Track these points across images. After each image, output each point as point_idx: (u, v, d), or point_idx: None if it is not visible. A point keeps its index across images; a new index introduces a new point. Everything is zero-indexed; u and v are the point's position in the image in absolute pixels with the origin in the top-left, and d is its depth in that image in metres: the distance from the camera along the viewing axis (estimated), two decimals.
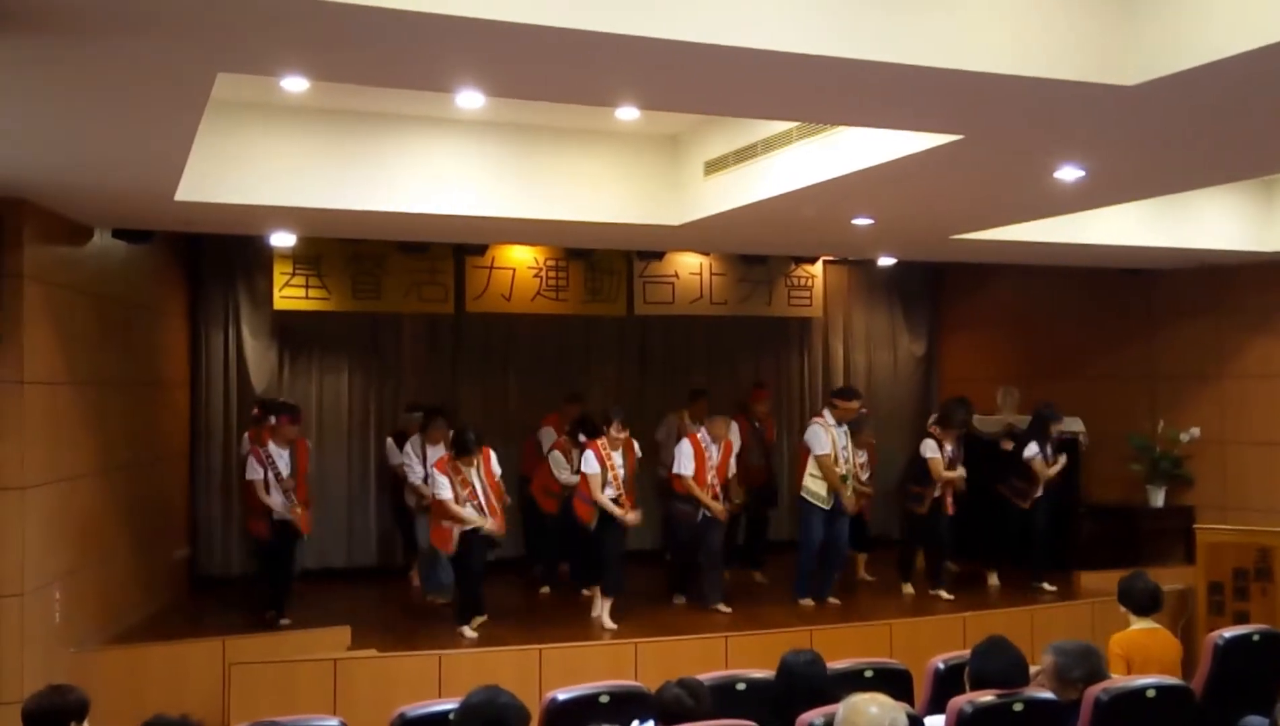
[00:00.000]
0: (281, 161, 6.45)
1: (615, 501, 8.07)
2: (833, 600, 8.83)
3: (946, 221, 7.79)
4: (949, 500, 9.13)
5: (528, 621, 8.31)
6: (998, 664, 4.28)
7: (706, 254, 10.93)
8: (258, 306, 9.98)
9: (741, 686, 4.66)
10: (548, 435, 9.60)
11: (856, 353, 12.23)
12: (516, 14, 3.46)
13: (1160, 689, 4.50)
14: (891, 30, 3.91)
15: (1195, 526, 9.44)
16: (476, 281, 10.29)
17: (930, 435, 9.20)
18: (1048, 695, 4.33)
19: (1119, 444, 10.13)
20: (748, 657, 6.92)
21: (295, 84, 5.01)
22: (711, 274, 11.11)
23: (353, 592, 9.33)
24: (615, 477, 8.07)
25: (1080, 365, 10.84)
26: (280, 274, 9.75)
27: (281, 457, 8.00)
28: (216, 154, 6.14)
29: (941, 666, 4.84)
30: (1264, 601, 8.70)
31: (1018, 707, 4.18)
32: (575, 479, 8.53)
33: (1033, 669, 4.45)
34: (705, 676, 4.41)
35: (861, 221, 7.53)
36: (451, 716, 3.69)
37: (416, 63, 4.03)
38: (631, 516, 8.10)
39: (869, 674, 4.79)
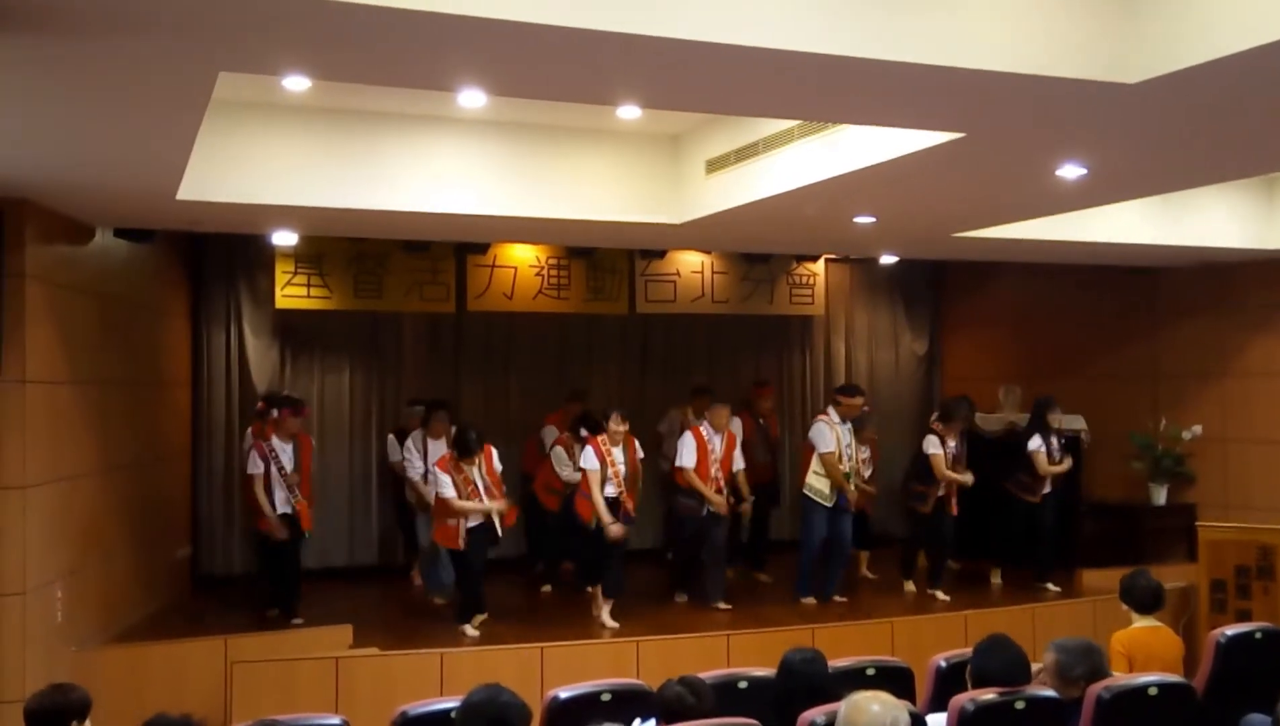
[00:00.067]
0: (283, 160, 6.46)
1: (616, 498, 8.04)
2: (838, 598, 8.82)
3: (948, 220, 7.78)
4: (954, 500, 9.09)
5: (529, 620, 8.32)
6: (999, 662, 4.28)
7: (708, 252, 10.92)
8: (259, 305, 9.98)
9: (743, 684, 4.66)
10: (550, 434, 9.60)
11: (858, 351, 12.21)
12: (519, 13, 3.46)
13: (1162, 687, 4.49)
14: (893, 29, 3.92)
15: (1197, 524, 9.44)
16: (478, 280, 10.28)
17: (932, 431, 9.17)
18: (1049, 693, 4.33)
19: (1121, 442, 10.13)
20: (749, 656, 6.93)
21: (297, 83, 5.00)
22: (713, 272, 11.10)
23: (354, 591, 9.33)
24: (615, 474, 8.03)
25: (1082, 363, 10.83)
26: (282, 273, 9.75)
27: (284, 452, 7.99)
28: (218, 153, 6.15)
29: (943, 664, 4.84)
30: (1266, 599, 8.69)
31: (1019, 705, 4.18)
32: (577, 476, 8.51)
33: (1034, 667, 4.45)
34: (707, 674, 4.41)
35: (863, 220, 7.52)
36: (453, 715, 3.69)
37: (418, 62, 4.03)
38: (615, 529, 7.90)
39: (871, 672, 4.80)
